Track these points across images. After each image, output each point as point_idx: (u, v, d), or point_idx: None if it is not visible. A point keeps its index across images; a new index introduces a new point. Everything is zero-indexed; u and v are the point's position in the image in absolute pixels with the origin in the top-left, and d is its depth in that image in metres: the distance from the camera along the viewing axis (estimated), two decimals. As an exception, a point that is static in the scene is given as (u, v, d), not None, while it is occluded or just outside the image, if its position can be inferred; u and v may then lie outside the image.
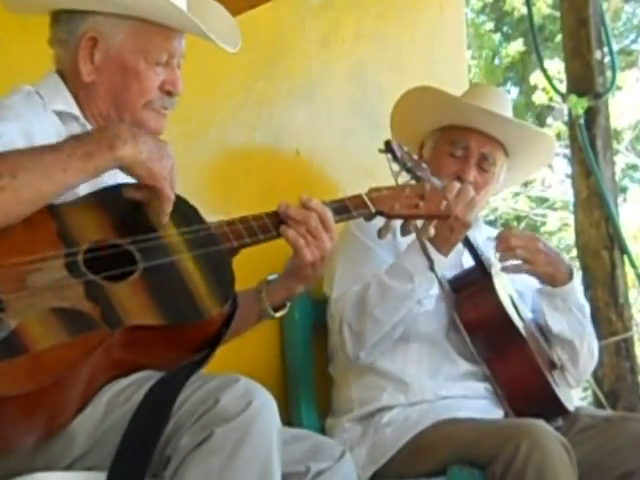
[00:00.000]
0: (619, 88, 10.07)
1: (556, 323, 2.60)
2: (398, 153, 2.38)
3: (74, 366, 1.59)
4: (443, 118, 2.73)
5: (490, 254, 2.64)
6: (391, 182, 2.32)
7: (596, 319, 2.77)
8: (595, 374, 4.17)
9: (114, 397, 1.69)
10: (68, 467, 1.68)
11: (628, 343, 4.20)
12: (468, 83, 3.90)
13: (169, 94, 2.01)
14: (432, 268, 2.38)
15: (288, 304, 2.11)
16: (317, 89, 3.14)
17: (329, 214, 1.98)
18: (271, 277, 2.10)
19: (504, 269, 2.56)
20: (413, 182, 2.37)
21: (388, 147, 2.38)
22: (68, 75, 2.01)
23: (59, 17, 2.00)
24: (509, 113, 2.80)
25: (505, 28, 12.90)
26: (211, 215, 1.90)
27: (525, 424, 2.27)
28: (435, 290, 2.48)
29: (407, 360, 2.53)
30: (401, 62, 3.33)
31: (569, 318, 2.60)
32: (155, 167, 1.75)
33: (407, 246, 2.47)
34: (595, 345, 2.68)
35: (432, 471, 2.32)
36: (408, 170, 2.37)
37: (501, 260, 2.56)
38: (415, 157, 2.46)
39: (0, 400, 1.51)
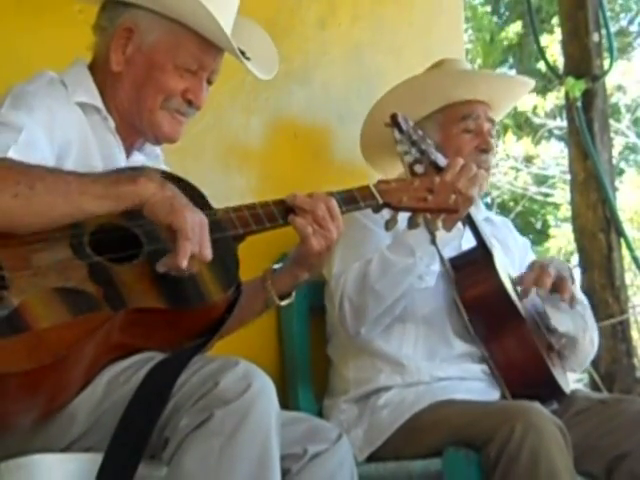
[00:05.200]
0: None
1: (561, 324, 2.59)
2: (404, 126, 2.38)
3: (75, 346, 1.60)
4: (442, 98, 2.72)
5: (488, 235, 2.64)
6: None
7: (592, 302, 2.77)
8: (591, 356, 4.19)
9: (114, 378, 1.70)
10: (66, 448, 1.69)
11: (624, 325, 4.22)
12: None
13: (189, 103, 2.02)
14: (433, 241, 2.37)
15: (294, 293, 2.12)
16: (314, 72, 3.13)
17: (334, 204, 1.98)
18: (276, 266, 2.12)
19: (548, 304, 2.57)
20: (418, 157, 2.36)
21: (394, 120, 2.37)
22: (99, 63, 2.03)
23: (105, 5, 2.04)
24: None
25: (502, 10, 12.88)
26: (208, 199, 1.90)
27: (520, 406, 2.27)
28: (436, 266, 2.49)
29: (403, 341, 2.53)
30: (399, 44, 3.32)
31: (573, 316, 2.59)
32: (179, 207, 1.69)
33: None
34: (596, 335, 2.69)
35: (428, 452, 2.33)
36: (413, 143, 2.37)
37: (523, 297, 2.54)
38: (420, 132, 2.45)
39: (0, 377, 1.52)
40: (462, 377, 2.51)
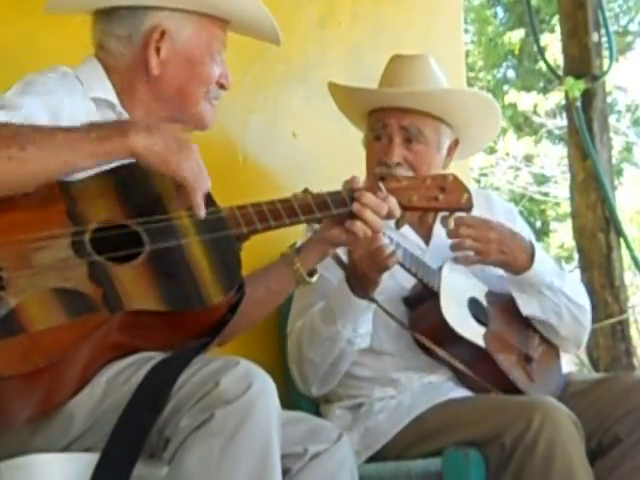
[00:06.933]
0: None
1: (526, 306, 2.56)
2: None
3: (70, 349, 1.59)
4: (364, 107, 2.69)
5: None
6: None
7: (592, 301, 2.75)
8: (591, 356, 4.20)
9: (113, 378, 1.69)
10: (66, 448, 1.69)
11: (624, 325, 4.23)
12: (465, 66, 3.90)
13: (222, 87, 2.08)
14: (374, 300, 2.31)
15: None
16: (313, 71, 3.14)
17: (395, 204, 2.02)
18: (299, 244, 2.10)
19: (455, 260, 2.50)
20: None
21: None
22: (119, 69, 2.02)
23: (117, 13, 2.01)
24: (429, 77, 2.69)
25: (501, 11, 12.91)
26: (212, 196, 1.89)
27: (537, 399, 2.29)
28: (367, 326, 2.42)
29: (384, 367, 2.52)
30: (398, 44, 3.31)
31: (541, 300, 2.54)
32: (171, 157, 1.71)
33: (340, 282, 2.40)
34: (582, 312, 2.62)
35: (430, 453, 2.33)
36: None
37: (453, 250, 2.48)
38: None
39: None
40: (452, 377, 2.50)
